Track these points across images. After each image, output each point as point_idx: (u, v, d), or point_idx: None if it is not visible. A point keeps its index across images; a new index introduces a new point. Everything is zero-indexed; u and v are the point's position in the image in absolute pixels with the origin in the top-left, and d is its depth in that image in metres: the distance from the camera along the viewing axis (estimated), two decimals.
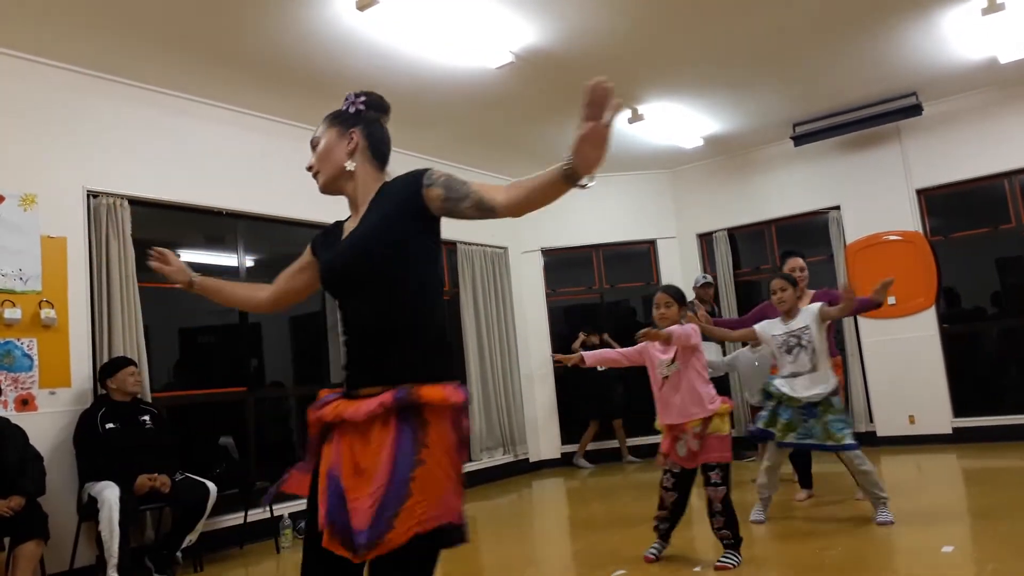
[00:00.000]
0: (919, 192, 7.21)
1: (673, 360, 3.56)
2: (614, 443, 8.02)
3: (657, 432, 3.77)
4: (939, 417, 6.94)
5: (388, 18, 4.47)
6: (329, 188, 1.86)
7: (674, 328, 3.51)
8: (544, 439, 8.10)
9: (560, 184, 1.49)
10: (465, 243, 7.47)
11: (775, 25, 5.20)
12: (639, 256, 8.67)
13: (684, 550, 3.86)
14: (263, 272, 6.10)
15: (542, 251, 8.40)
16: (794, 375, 4.13)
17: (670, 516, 3.71)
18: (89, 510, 4.10)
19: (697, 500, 3.88)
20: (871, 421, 7.24)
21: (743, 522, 3.73)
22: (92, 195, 4.73)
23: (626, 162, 8.02)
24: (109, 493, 4.00)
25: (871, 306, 4.25)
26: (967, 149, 6.94)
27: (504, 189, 1.61)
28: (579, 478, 7.31)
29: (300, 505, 5.51)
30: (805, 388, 4.08)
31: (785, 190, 7.90)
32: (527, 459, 7.84)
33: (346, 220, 1.88)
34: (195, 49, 4.72)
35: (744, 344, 5.78)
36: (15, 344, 4.28)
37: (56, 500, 4.10)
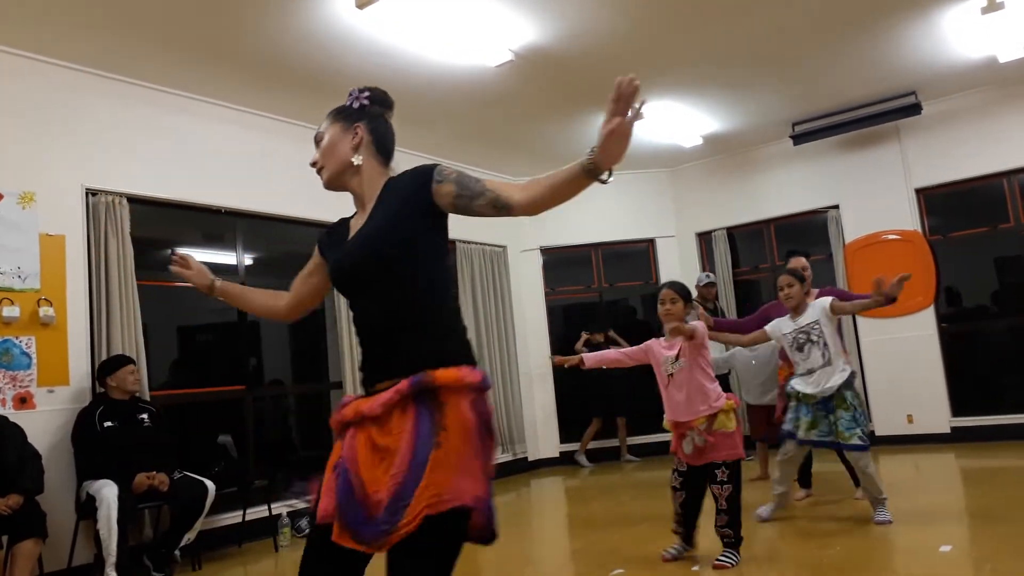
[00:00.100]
0: (918, 191, 7.21)
1: (677, 357, 3.56)
2: (614, 442, 7.99)
3: (663, 431, 3.76)
4: (937, 416, 6.94)
5: (387, 16, 4.46)
6: (333, 183, 1.84)
7: (697, 324, 3.56)
8: (543, 438, 8.09)
9: (581, 179, 1.49)
10: (464, 242, 7.46)
11: (775, 25, 5.20)
12: (638, 255, 8.67)
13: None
14: (262, 271, 6.10)
15: (541, 250, 8.39)
16: (809, 372, 4.11)
17: (684, 517, 3.68)
18: (87, 508, 4.10)
19: (707, 498, 3.87)
20: (869, 420, 7.23)
21: (747, 518, 3.72)
22: (91, 193, 4.73)
23: (625, 161, 7.77)
24: (107, 491, 3.99)
25: (886, 301, 4.21)
26: (966, 148, 6.94)
27: (521, 187, 1.60)
28: (578, 477, 7.31)
29: (300, 505, 5.51)
30: (819, 384, 4.06)
31: (784, 189, 7.90)
32: (526, 458, 7.84)
33: (351, 217, 1.86)
34: (194, 47, 4.72)
35: None
36: (13, 342, 4.27)
37: (54, 498, 4.09)
